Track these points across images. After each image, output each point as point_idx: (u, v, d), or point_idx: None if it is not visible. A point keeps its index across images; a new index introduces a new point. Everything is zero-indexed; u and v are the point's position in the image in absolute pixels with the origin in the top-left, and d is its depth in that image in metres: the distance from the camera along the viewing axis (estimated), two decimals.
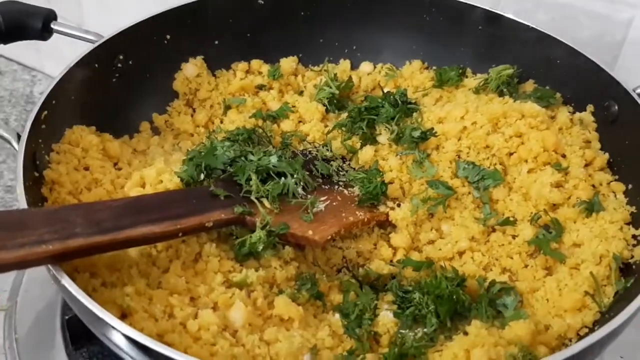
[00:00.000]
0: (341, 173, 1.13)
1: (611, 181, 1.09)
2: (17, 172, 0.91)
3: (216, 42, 1.31)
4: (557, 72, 1.21)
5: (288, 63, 1.34)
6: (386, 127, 1.15)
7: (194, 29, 1.27)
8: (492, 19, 1.25)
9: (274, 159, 1.03)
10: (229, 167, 1.02)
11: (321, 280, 0.99)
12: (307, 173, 1.06)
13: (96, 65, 1.14)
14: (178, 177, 1.01)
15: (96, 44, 1.14)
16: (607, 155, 1.12)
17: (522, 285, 0.98)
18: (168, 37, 1.25)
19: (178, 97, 1.29)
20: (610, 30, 1.25)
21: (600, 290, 0.93)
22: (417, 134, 1.10)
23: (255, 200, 0.98)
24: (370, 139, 1.16)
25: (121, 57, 1.18)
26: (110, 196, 1.04)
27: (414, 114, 1.17)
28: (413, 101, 1.21)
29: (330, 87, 1.27)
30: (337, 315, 0.94)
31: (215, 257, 0.94)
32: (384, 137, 1.15)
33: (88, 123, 1.12)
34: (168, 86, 1.29)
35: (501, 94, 1.21)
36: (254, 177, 1.00)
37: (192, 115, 1.29)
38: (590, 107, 1.18)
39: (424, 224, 1.06)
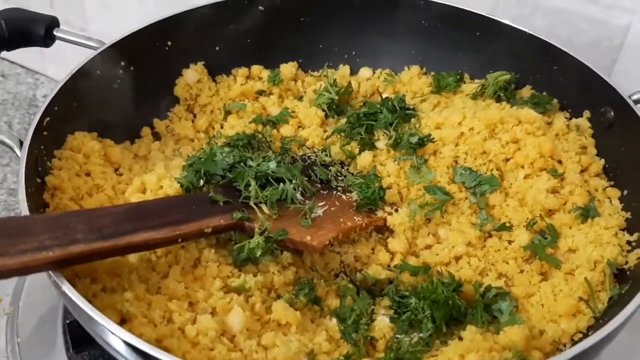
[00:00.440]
0: (339, 178, 1.14)
1: (607, 187, 1.10)
2: (19, 179, 0.92)
3: (217, 48, 1.32)
4: (554, 78, 1.22)
5: (288, 68, 1.35)
6: (384, 132, 1.16)
7: (195, 35, 1.28)
8: (490, 24, 1.26)
9: (272, 165, 1.04)
10: (228, 173, 1.03)
11: (319, 285, 1.00)
12: (306, 178, 1.07)
13: (98, 71, 1.15)
14: (178, 182, 1.02)
15: (98, 51, 1.15)
16: (603, 161, 1.13)
17: (518, 291, 0.98)
18: (169, 43, 1.26)
19: (179, 102, 1.31)
20: (608, 36, 1.26)
21: (595, 295, 0.94)
22: (414, 139, 1.12)
23: (254, 206, 0.99)
24: (368, 144, 1.17)
25: (123, 63, 1.20)
26: (111, 202, 1.05)
27: (412, 120, 1.18)
28: (411, 107, 1.22)
29: (330, 93, 1.28)
30: (334, 320, 0.95)
31: (214, 263, 0.95)
32: (382, 142, 1.16)
33: (89, 129, 1.13)
34: (169, 92, 1.30)
35: (498, 100, 1.22)
36: (253, 182, 1.01)
37: (192, 121, 1.30)
38: (586, 113, 1.19)
39: (421, 229, 1.07)
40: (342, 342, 0.92)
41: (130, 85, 1.22)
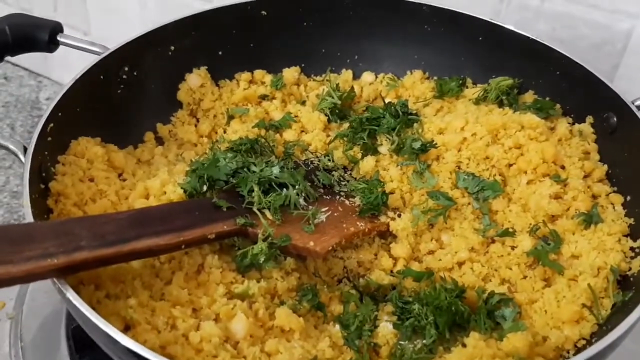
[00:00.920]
0: (342, 183, 1.14)
1: (610, 193, 1.10)
2: (24, 186, 0.92)
3: (220, 53, 1.33)
4: (557, 83, 1.22)
5: (291, 73, 1.35)
6: (387, 137, 1.16)
7: (197, 40, 1.28)
8: (493, 29, 1.26)
9: (276, 170, 1.04)
10: (231, 179, 1.03)
11: (322, 291, 1.00)
12: (309, 184, 1.07)
13: (101, 77, 1.15)
14: (181, 188, 1.03)
15: (101, 56, 1.15)
16: (605, 166, 1.13)
17: (521, 297, 0.98)
18: (172, 48, 1.26)
19: (182, 107, 1.31)
20: (611, 40, 1.25)
21: (598, 302, 0.94)
22: (417, 145, 1.12)
23: (257, 212, 0.99)
24: (371, 149, 1.17)
25: (126, 68, 1.20)
26: (114, 207, 1.05)
27: (415, 125, 1.18)
28: (414, 112, 1.22)
29: (333, 97, 1.28)
30: (338, 326, 0.95)
31: (217, 269, 0.95)
32: (384, 147, 1.16)
33: (93, 134, 1.13)
34: (172, 96, 1.30)
35: (501, 105, 1.23)
36: (256, 188, 1.01)
37: (195, 125, 1.30)
38: (589, 119, 1.19)
39: (424, 234, 1.07)
40: (346, 348, 0.92)
41: (133, 90, 1.22)
